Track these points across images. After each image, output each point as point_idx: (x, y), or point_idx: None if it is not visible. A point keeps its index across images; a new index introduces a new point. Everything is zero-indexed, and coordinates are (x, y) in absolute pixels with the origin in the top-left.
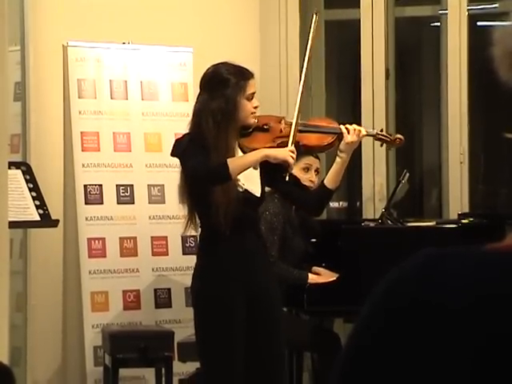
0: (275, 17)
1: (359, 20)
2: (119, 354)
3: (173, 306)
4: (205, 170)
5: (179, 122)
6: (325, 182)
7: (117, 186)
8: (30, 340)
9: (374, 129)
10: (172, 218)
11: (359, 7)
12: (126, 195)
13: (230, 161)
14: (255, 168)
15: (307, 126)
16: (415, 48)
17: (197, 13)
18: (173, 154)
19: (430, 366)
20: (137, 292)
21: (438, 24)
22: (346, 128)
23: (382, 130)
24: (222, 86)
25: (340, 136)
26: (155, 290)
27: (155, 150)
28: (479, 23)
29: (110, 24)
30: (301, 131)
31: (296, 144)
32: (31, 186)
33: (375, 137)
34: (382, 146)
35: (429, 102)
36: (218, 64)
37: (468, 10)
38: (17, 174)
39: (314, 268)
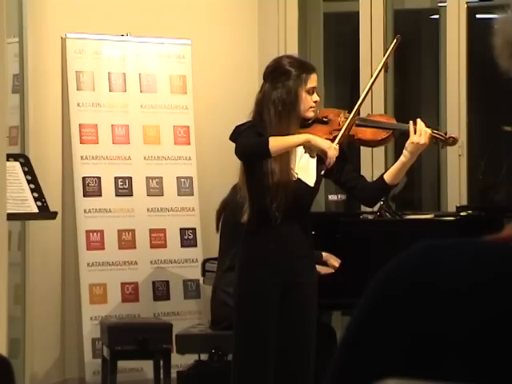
0: (274, 9)
1: (358, 12)
2: (117, 346)
3: (171, 299)
4: (246, 145)
5: (178, 114)
6: (385, 176)
7: (115, 178)
8: (28, 332)
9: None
10: (170, 211)
11: None
12: (124, 187)
13: (271, 138)
14: (312, 157)
15: (365, 120)
16: (414, 41)
17: (195, 5)
18: (230, 138)
19: (428, 350)
20: (135, 284)
21: (437, 16)
22: (414, 127)
23: (436, 129)
24: (284, 77)
25: (395, 132)
26: (153, 283)
27: (154, 142)
28: (478, 16)
29: (109, 16)
30: (358, 125)
31: (351, 138)
32: (29, 178)
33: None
34: (435, 143)
35: (428, 95)
36: (282, 56)
37: (467, 2)
38: (15, 166)
39: (325, 254)
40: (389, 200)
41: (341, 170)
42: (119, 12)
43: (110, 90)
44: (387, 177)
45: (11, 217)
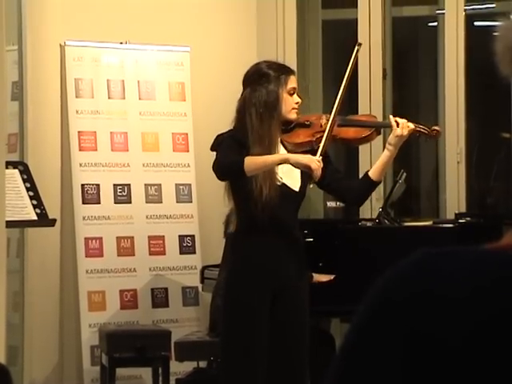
0: (272, 16)
1: (356, 20)
2: (116, 353)
3: (170, 306)
4: (222, 162)
5: (176, 121)
6: (369, 173)
7: (114, 185)
8: (26, 339)
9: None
10: (169, 218)
11: (356, 7)
12: (123, 195)
13: (247, 158)
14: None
15: (347, 120)
16: (412, 48)
17: (194, 12)
18: (211, 149)
19: (427, 358)
20: (134, 291)
21: (436, 24)
22: (396, 121)
23: (419, 123)
24: (264, 79)
25: (378, 130)
26: (152, 290)
27: (152, 149)
28: (476, 23)
29: (108, 23)
30: (340, 125)
31: (333, 137)
32: (28, 185)
33: (414, 130)
34: (418, 137)
35: (426, 102)
36: (259, 62)
37: (465, 9)
38: (14, 174)
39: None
40: (387, 207)
41: (323, 173)
42: (118, 20)
43: (108, 97)
44: (373, 174)
45: (10, 224)
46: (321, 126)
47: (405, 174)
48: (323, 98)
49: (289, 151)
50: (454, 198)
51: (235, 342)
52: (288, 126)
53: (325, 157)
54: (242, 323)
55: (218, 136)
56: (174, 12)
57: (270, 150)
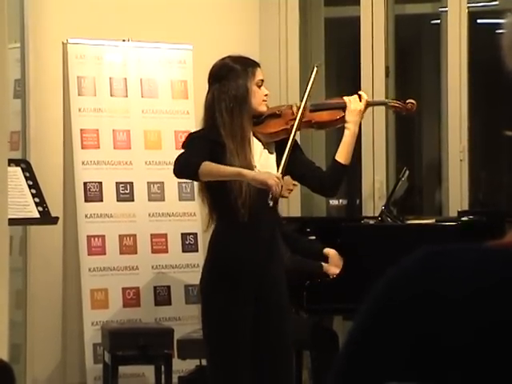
0: (275, 14)
1: (359, 17)
2: (119, 351)
3: (172, 304)
4: (180, 161)
5: (179, 119)
6: (336, 156)
7: (116, 183)
8: (29, 337)
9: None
10: (171, 216)
11: (359, 4)
12: (125, 192)
13: (205, 164)
14: (271, 152)
15: (318, 105)
16: (415, 46)
17: (197, 10)
18: (182, 146)
19: (431, 356)
20: (136, 289)
21: (438, 21)
22: (349, 99)
23: (392, 99)
24: (232, 74)
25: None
26: (155, 288)
27: (155, 147)
28: (479, 21)
29: (110, 21)
30: (312, 111)
31: (308, 122)
32: (31, 183)
33: (387, 105)
34: (394, 112)
35: (429, 100)
36: (223, 57)
37: (468, 7)
38: (16, 172)
39: (326, 250)
40: (390, 205)
41: (295, 163)
42: (120, 17)
43: (111, 95)
44: (340, 157)
45: (13, 222)
46: (292, 113)
47: (407, 171)
48: (325, 95)
49: (263, 142)
50: (457, 195)
51: (218, 344)
52: (259, 119)
53: (296, 147)
54: (224, 325)
55: (190, 134)
56: (176, 10)
57: (244, 144)
